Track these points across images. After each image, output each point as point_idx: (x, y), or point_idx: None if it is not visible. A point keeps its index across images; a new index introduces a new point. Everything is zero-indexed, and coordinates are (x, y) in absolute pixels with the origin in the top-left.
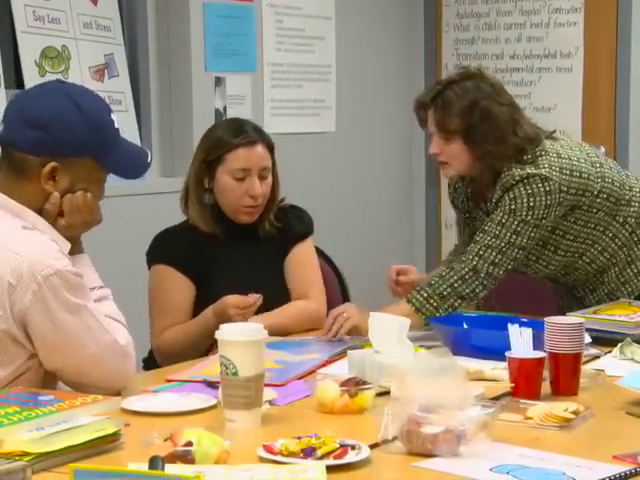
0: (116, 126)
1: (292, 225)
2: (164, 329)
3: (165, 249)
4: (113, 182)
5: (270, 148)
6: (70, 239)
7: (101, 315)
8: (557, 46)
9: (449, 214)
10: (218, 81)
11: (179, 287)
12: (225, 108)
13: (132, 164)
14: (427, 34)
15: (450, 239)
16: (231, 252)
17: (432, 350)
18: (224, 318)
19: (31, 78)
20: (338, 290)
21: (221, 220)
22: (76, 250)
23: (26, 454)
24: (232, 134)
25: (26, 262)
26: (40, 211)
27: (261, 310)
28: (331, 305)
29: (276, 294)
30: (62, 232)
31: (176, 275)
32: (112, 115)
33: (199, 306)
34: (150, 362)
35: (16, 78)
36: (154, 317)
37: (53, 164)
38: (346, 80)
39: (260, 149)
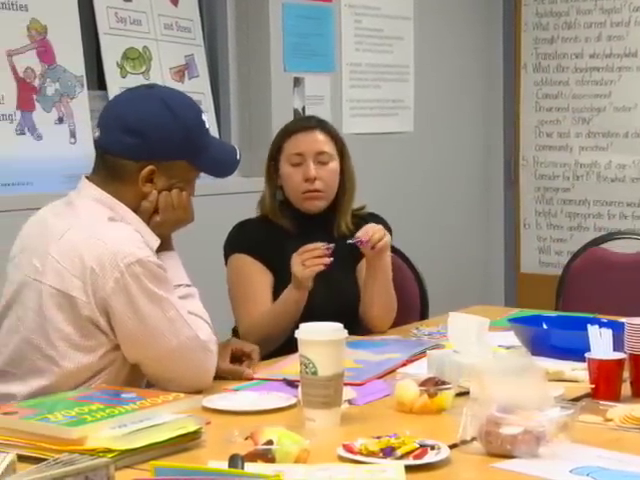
0: (207, 126)
1: None
2: (249, 314)
3: (242, 238)
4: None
5: (333, 137)
6: (161, 236)
7: (184, 310)
8: (638, 45)
9: (527, 214)
10: (297, 81)
11: (258, 274)
12: (304, 108)
13: (223, 163)
14: (506, 33)
15: (528, 239)
16: (297, 244)
17: (511, 350)
18: (298, 281)
19: (113, 79)
20: (417, 290)
21: (295, 216)
22: (166, 247)
23: (109, 451)
24: (291, 124)
25: (109, 250)
26: (135, 210)
27: (329, 309)
28: (410, 307)
29: (345, 294)
30: (155, 229)
31: (254, 263)
32: (203, 116)
33: (274, 298)
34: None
35: (98, 79)
36: (238, 306)
37: (151, 167)
38: (424, 80)
39: (317, 135)
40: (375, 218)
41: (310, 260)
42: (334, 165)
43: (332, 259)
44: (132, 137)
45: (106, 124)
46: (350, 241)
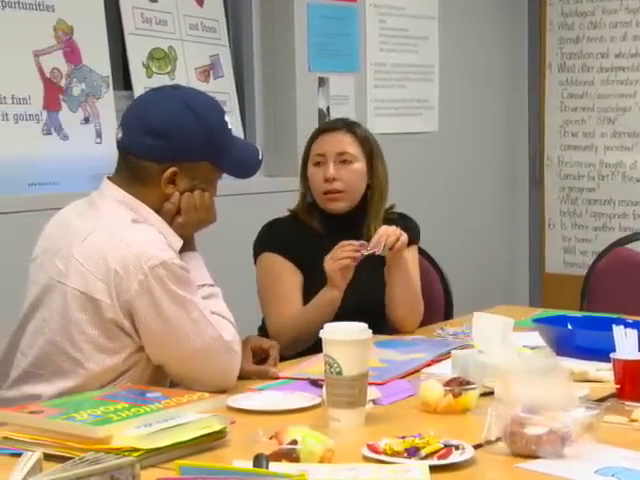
0: (229, 127)
1: None
2: (280, 315)
3: (272, 237)
4: (219, 181)
5: (359, 138)
6: (184, 237)
7: (207, 310)
8: None
9: (552, 214)
10: (321, 81)
11: (288, 273)
12: (328, 108)
13: (245, 164)
14: (531, 33)
15: (553, 239)
16: (326, 244)
17: (536, 350)
18: (330, 278)
19: (138, 80)
20: (441, 290)
21: (323, 216)
22: (189, 248)
23: (135, 450)
24: (320, 125)
25: (133, 252)
26: (158, 211)
27: (356, 309)
28: (434, 307)
29: (372, 294)
30: (177, 230)
31: (284, 262)
32: (225, 116)
33: (304, 299)
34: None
35: (124, 80)
36: (268, 305)
37: (173, 169)
38: (449, 80)
39: (340, 135)
40: (404, 219)
41: (339, 255)
42: (358, 166)
43: (363, 254)
44: (155, 139)
45: (129, 125)
46: (365, 253)
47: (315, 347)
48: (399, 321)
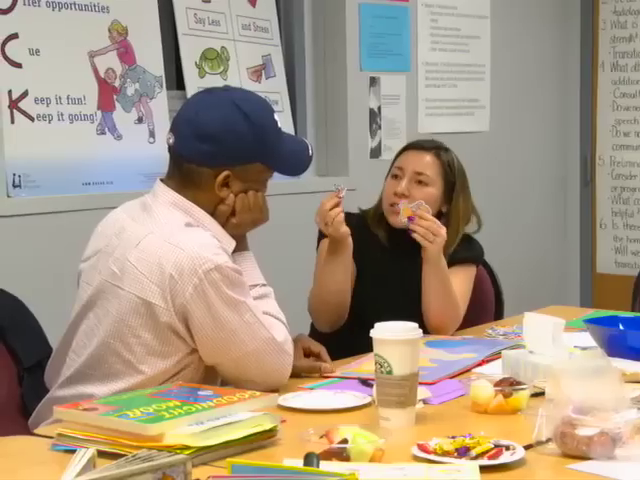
0: (279, 126)
1: (457, 250)
2: None
3: None
4: (271, 181)
5: (444, 164)
6: (236, 237)
7: (259, 312)
8: None
9: (604, 214)
10: (373, 81)
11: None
12: (379, 108)
13: (296, 161)
14: (583, 32)
15: (605, 239)
16: (388, 258)
17: (587, 351)
18: (336, 240)
19: (191, 80)
20: (492, 290)
21: (390, 230)
22: (241, 247)
23: (187, 448)
24: (413, 141)
25: (187, 256)
26: (211, 213)
27: (399, 310)
28: (484, 307)
29: (410, 293)
30: (231, 230)
31: None
32: (275, 115)
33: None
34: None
35: (177, 80)
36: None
37: (226, 173)
38: (501, 79)
39: (424, 155)
40: (469, 240)
41: (331, 216)
42: (432, 190)
43: (342, 197)
44: (207, 144)
45: (180, 130)
46: (343, 194)
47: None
48: (433, 323)
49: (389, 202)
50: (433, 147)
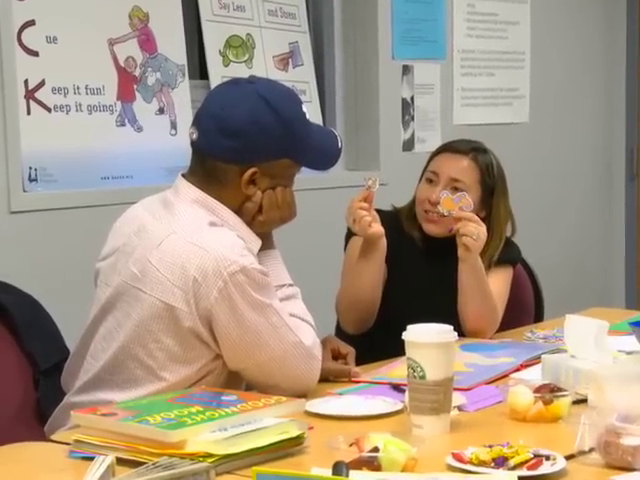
0: (307, 117)
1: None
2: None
3: None
4: (298, 176)
5: (482, 170)
6: (262, 235)
7: (286, 314)
8: None
9: None
10: (406, 69)
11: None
12: (413, 98)
13: (325, 155)
14: (630, 15)
15: None
16: (423, 261)
17: (633, 355)
18: (369, 239)
19: (215, 68)
20: (531, 291)
21: (425, 233)
22: (267, 246)
23: (210, 455)
24: (450, 141)
25: (212, 258)
26: (237, 211)
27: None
28: (524, 309)
29: (445, 296)
30: (257, 229)
31: None
32: (302, 107)
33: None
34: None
35: (200, 69)
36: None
37: (253, 170)
38: (541, 67)
39: (462, 161)
40: (505, 242)
41: (361, 214)
42: (471, 200)
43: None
44: (232, 140)
45: (204, 125)
46: (375, 189)
47: (394, 349)
48: (469, 330)
49: (423, 208)
50: (470, 150)
